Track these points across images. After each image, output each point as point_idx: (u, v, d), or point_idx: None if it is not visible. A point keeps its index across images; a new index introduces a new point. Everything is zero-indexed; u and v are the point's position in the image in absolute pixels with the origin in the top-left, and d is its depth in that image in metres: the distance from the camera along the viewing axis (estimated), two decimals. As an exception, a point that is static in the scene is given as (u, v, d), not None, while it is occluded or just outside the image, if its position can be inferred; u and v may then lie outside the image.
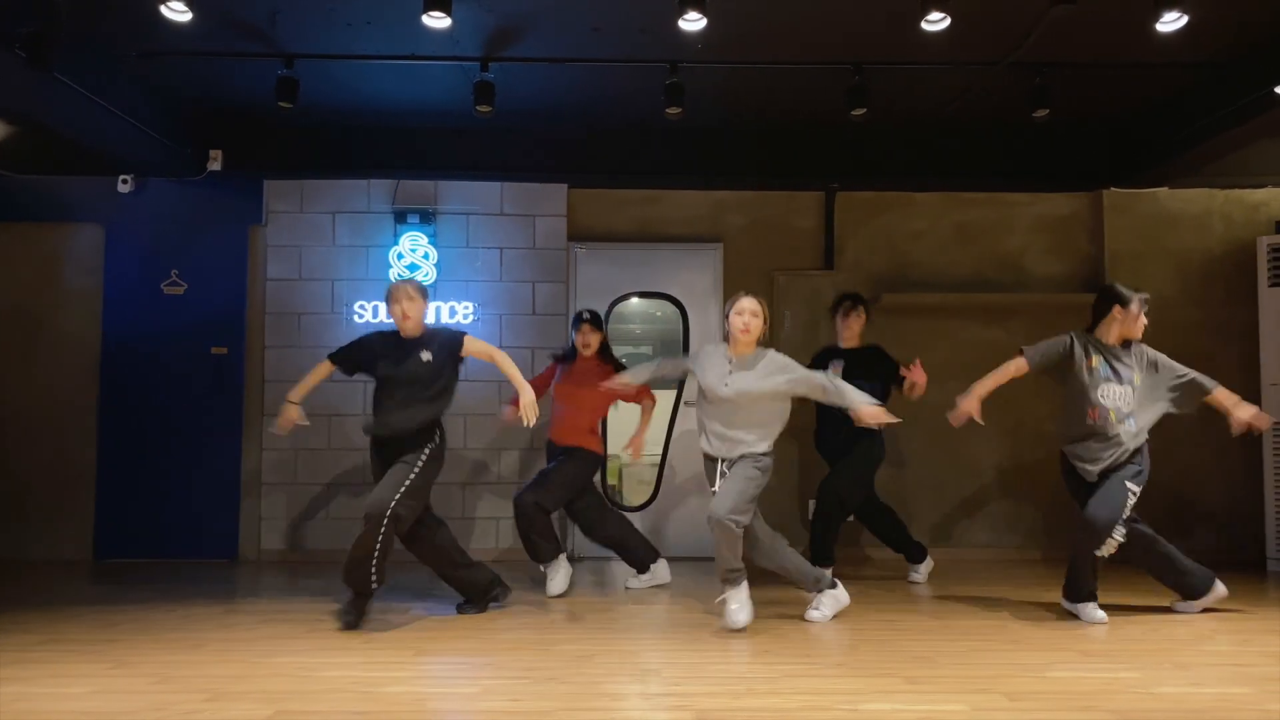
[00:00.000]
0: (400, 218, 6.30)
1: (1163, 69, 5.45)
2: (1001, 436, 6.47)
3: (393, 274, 6.26)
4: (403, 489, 4.23)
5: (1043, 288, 6.51)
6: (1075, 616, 4.52)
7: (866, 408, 4.22)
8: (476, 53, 5.26)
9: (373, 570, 4.22)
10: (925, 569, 5.50)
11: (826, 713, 3.07)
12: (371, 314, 6.28)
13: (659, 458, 6.48)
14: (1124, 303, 4.53)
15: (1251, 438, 6.17)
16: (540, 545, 5.07)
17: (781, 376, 4.30)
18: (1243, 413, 4.40)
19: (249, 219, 6.40)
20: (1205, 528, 6.36)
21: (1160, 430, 6.33)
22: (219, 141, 6.36)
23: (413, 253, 6.29)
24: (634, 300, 6.78)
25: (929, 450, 6.45)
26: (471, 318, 6.27)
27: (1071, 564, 4.52)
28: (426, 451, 4.36)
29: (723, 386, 4.30)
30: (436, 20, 4.50)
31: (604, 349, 5.34)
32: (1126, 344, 4.56)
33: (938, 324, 6.42)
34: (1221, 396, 4.47)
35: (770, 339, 6.32)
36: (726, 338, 4.42)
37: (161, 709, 3.09)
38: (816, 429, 5.48)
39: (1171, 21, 4.39)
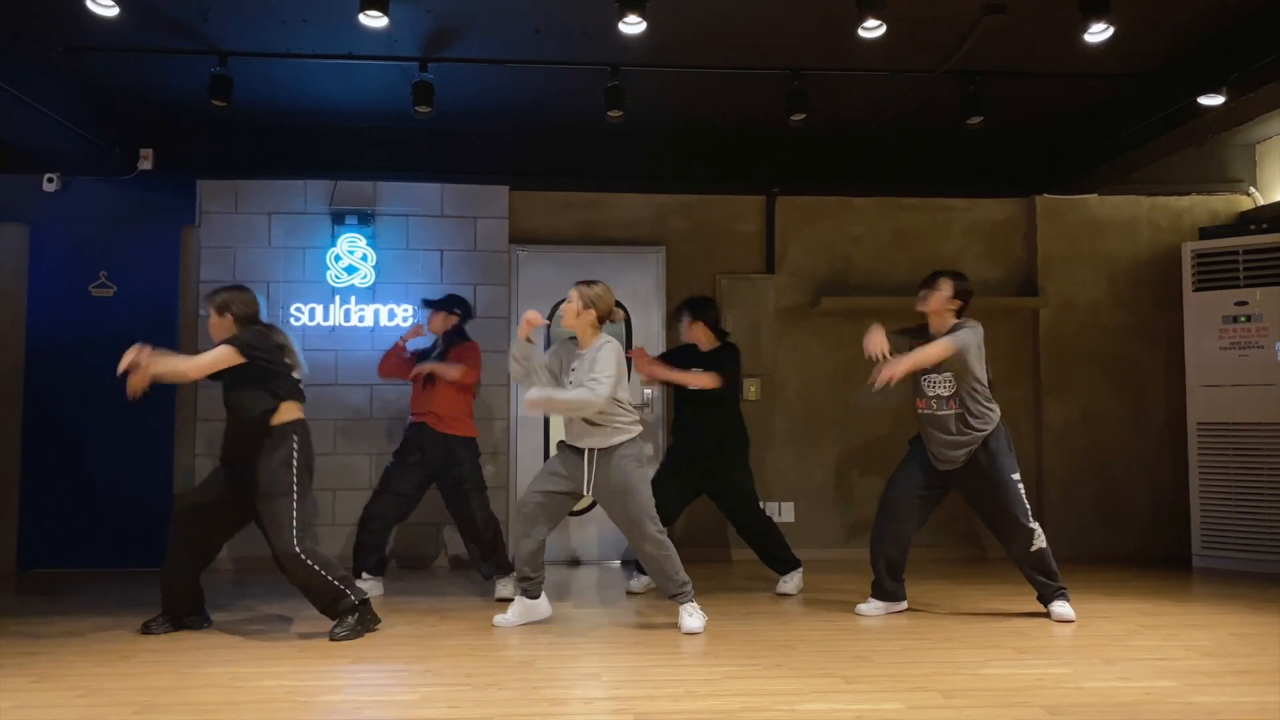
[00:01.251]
0: (338, 219, 6.21)
1: (1091, 79, 5.59)
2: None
3: (330, 276, 6.17)
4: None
5: (978, 291, 6.57)
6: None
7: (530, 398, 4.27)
8: (415, 53, 5.20)
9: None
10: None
11: (765, 713, 3.09)
12: (308, 317, 6.17)
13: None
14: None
15: (1179, 438, 6.37)
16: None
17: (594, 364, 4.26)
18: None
19: (181, 219, 6.25)
20: (1133, 526, 6.53)
21: (1087, 429, 6.54)
22: (150, 140, 6.20)
23: (351, 255, 6.20)
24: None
25: (864, 453, 6.54)
26: (411, 320, 6.19)
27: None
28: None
29: (567, 377, 4.34)
30: (373, 20, 4.44)
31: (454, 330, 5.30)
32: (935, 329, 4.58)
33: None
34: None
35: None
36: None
37: (86, 723, 3.00)
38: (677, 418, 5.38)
39: (1099, 32, 4.50)
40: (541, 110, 6.13)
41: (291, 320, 6.18)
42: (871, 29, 4.52)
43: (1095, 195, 6.66)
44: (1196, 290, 6.22)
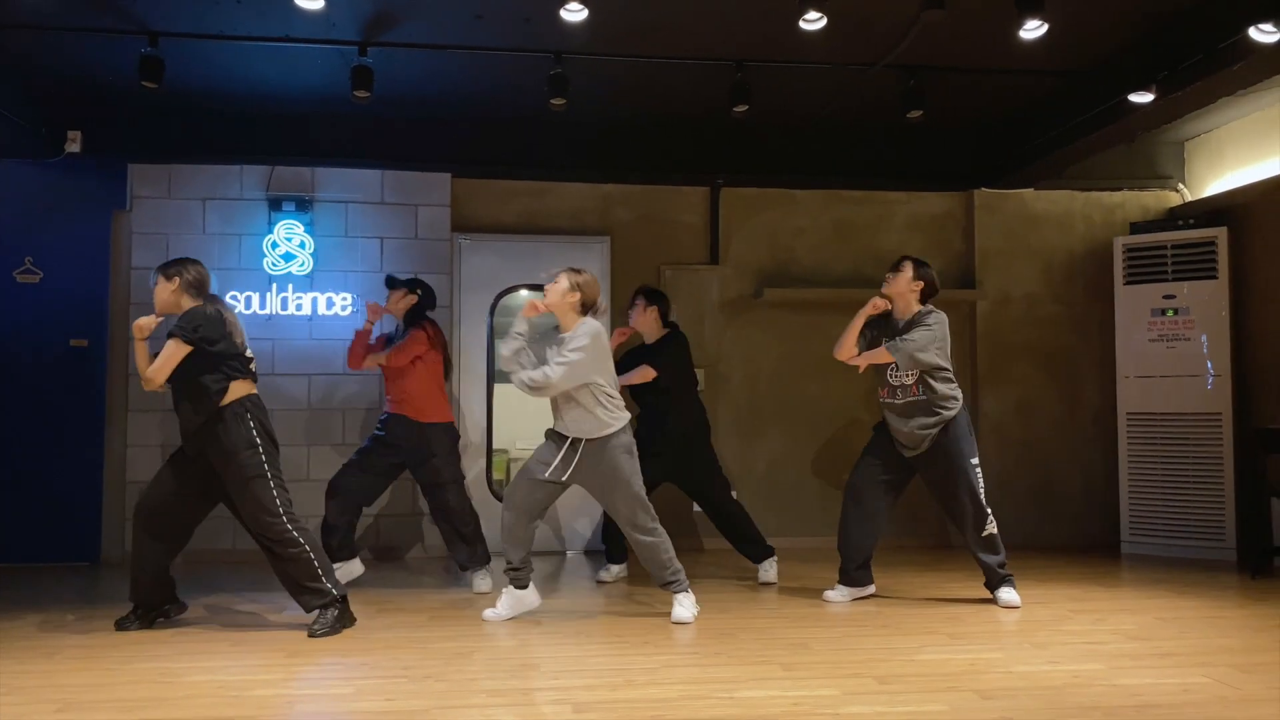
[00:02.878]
0: (275, 205, 6.08)
1: (1027, 75, 5.69)
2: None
3: (266, 263, 6.04)
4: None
5: (918, 284, 6.73)
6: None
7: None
8: (354, 36, 5.11)
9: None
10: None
11: (703, 701, 3.10)
12: (244, 305, 6.04)
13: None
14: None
15: (1109, 427, 6.53)
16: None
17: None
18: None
19: (111, 204, 6.07)
20: (1066, 514, 6.68)
21: (1023, 420, 6.67)
22: (78, 122, 6.01)
23: (288, 241, 6.07)
24: (523, 293, 6.71)
25: (806, 443, 6.60)
26: (350, 309, 6.10)
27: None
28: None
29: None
30: (310, 1, 4.36)
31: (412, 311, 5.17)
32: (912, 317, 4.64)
33: (817, 319, 6.54)
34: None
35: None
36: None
37: (5, 722, 2.91)
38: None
39: (1033, 29, 4.58)
40: (485, 97, 6.07)
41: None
42: (812, 21, 4.55)
43: (1031, 190, 6.79)
44: (1127, 283, 6.37)
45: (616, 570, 5.32)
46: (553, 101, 5.32)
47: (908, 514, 6.65)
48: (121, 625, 4.13)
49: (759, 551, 5.27)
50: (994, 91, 6.02)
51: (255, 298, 6.07)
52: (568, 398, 4.20)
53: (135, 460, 5.96)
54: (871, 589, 4.80)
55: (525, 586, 4.36)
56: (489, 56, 5.36)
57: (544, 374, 4.10)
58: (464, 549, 4.99)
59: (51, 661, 3.62)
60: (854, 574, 4.75)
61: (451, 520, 4.99)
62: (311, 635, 3.96)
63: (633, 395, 5.32)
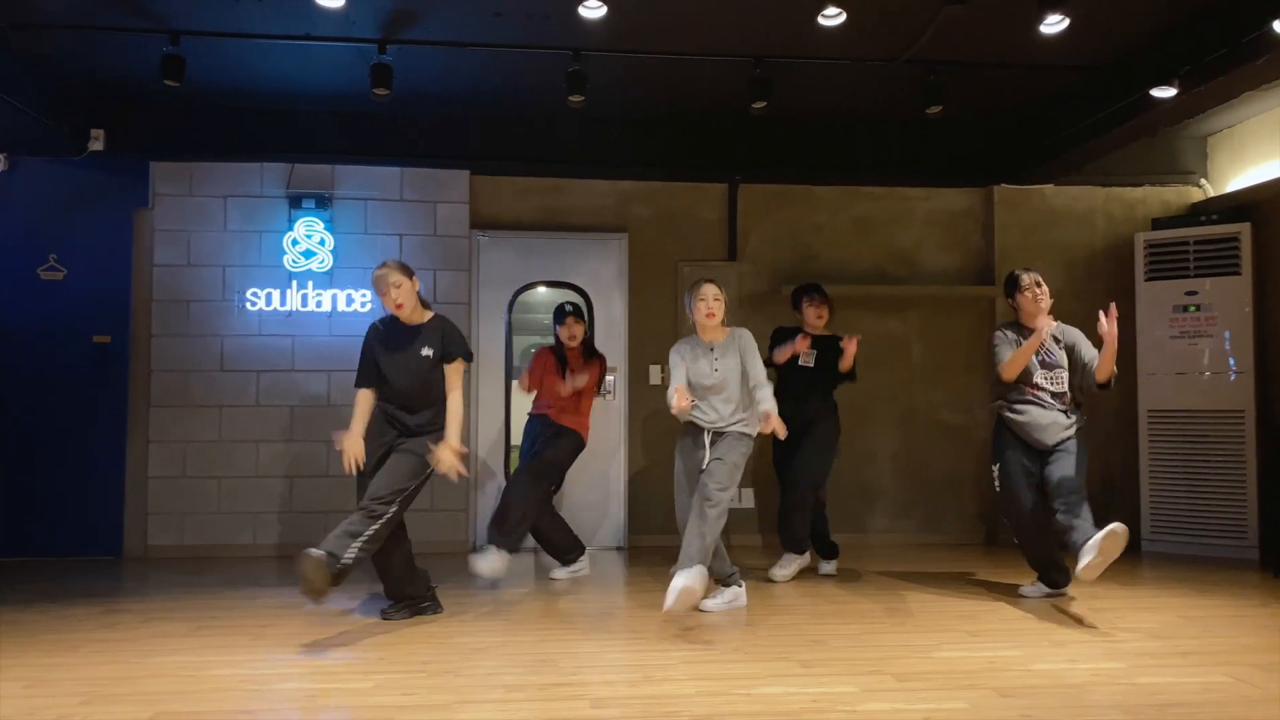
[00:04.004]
0: (295, 202, 6.12)
1: (1047, 70, 5.64)
2: (895, 424, 6.65)
3: (287, 260, 6.08)
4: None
5: (937, 280, 6.70)
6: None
7: (773, 417, 4.24)
8: (373, 34, 5.13)
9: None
10: (832, 567, 5.46)
11: (721, 698, 3.11)
12: (265, 301, 6.09)
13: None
14: (1009, 292, 4.74)
15: (1130, 425, 6.49)
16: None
17: (746, 357, 4.45)
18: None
19: (134, 202, 6.13)
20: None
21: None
22: (101, 120, 6.05)
23: (308, 239, 6.11)
24: (540, 290, 6.74)
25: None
26: (370, 306, 6.13)
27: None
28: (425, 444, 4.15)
29: (711, 374, 4.40)
30: (330, 0, 4.38)
31: (587, 343, 5.47)
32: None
33: (837, 315, 6.52)
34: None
35: (675, 330, 6.38)
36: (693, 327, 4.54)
37: (32, 714, 2.95)
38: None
39: (1054, 24, 4.54)
40: (503, 95, 6.08)
41: (248, 305, 6.09)
42: (832, 17, 4.54)
43: (1052, 186, 6.74)
44: (1148, 280, 6.32)
45: (826, 566, 5.42)
46: (571, 98, 5.33)
47: (928, 511, 6.64)
48: (385, 615, 4.31)
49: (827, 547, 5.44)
50: (1014, 87, 5.97)
51: (275, 294, 6.11)
52: (737, 386, 4.46)
53: (157, 456, 6.02)
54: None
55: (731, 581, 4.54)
56: (508, 53, 5.37)
57: (764, 379, 4.44)
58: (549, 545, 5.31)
59: (76, 654, 3.66)
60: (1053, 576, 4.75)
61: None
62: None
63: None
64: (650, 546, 6.28)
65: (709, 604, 4.38)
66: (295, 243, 6.10)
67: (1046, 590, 4.71)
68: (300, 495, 6.08)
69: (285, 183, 6.18)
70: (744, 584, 4.56)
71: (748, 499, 6.49)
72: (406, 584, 4.29)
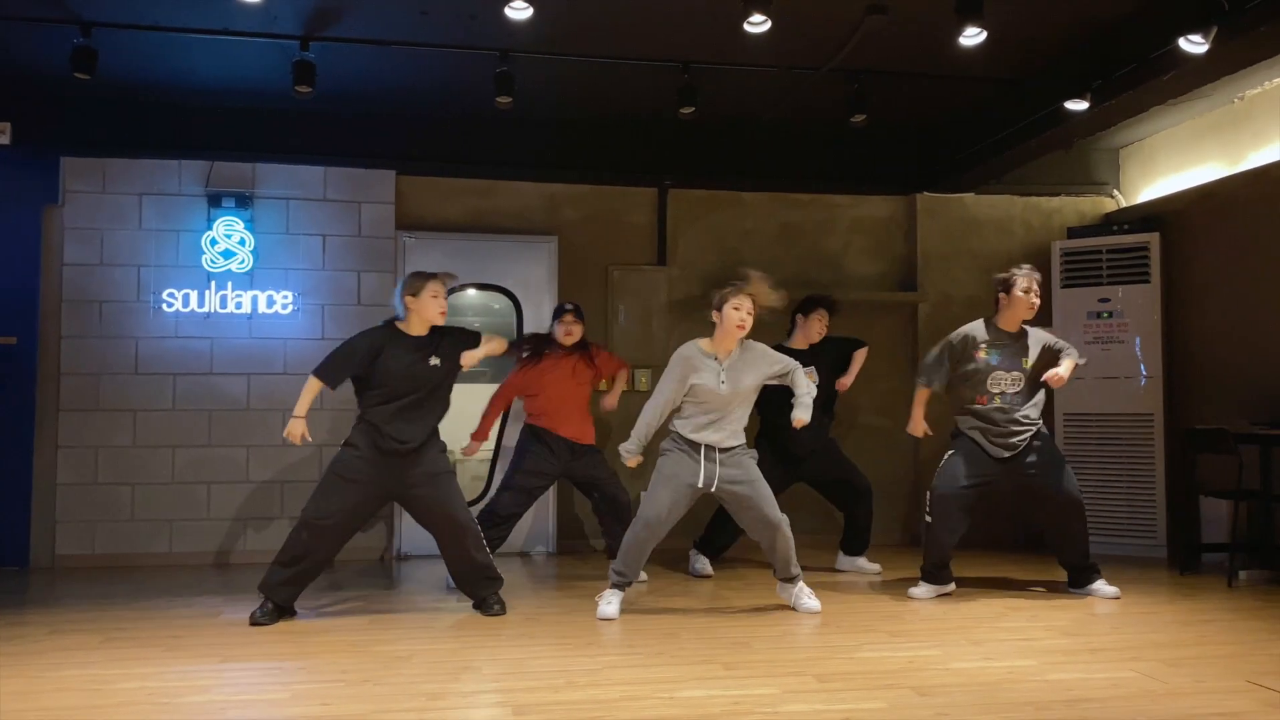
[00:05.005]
0: (214, 201, 5.95)
1: (967, 82, 5.79)
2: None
3: (205, 260, 5.91)
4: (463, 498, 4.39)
5: (861, 286, 6.81)
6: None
7: (805, 410, 4.33)
8: (295, 31, 5.04)
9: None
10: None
11: (643, 701, 3.11)
12: (181, 303, 5.91)
13: (491, 454, 6.38)
14: (1006, 288, 4.84)
15: (1047, 427, 6.65)
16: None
17: (774, 366, 4.44)
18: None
19: (43, 199, 5.89)
20: (1004, 513, 6.77)
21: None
22: (8, 114, 5.84)
23: (228, 238, 5.95)
24: (470, 292, 6.67)
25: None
26: (291, 307, 5.99)
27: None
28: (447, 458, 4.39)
29: (720, 385, 4.30)
30: (250, -6, 4.29)
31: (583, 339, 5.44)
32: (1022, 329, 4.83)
33: (761, 319, 6.57)
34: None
35: (605, 334, 6.38)
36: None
37: (-77, 733, 2.81)
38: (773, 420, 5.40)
39: (972, 36, 4.66)
40: (430, 94, 6.02)
41: (164, 306, 5.91)
42: (757, 24, 4.58)
43: (972, 194, 6.90)
44: (1064, 287, 6.51)
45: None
46: (499, 100, 5.30)
47: (832, 510, 6.72)
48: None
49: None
50: (936, 97, 6.11)
51: (193, 295, 5.93)
52: (745, 399, 4.46)
53: (66, 462, 5.80)
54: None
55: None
56: (434, 53, 5.32)
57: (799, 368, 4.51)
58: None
59: (-26, 669, 3.51)
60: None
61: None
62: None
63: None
64: (579, 551, 6.26)
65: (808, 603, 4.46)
66: (214, 242, 5.94)
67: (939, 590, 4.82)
68: (219, 501, 5.91)
69: (204, 181, 6.00)
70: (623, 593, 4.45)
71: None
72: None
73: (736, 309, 4.34)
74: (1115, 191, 7.01)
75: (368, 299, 6.10)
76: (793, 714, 3.00)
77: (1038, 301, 4.81)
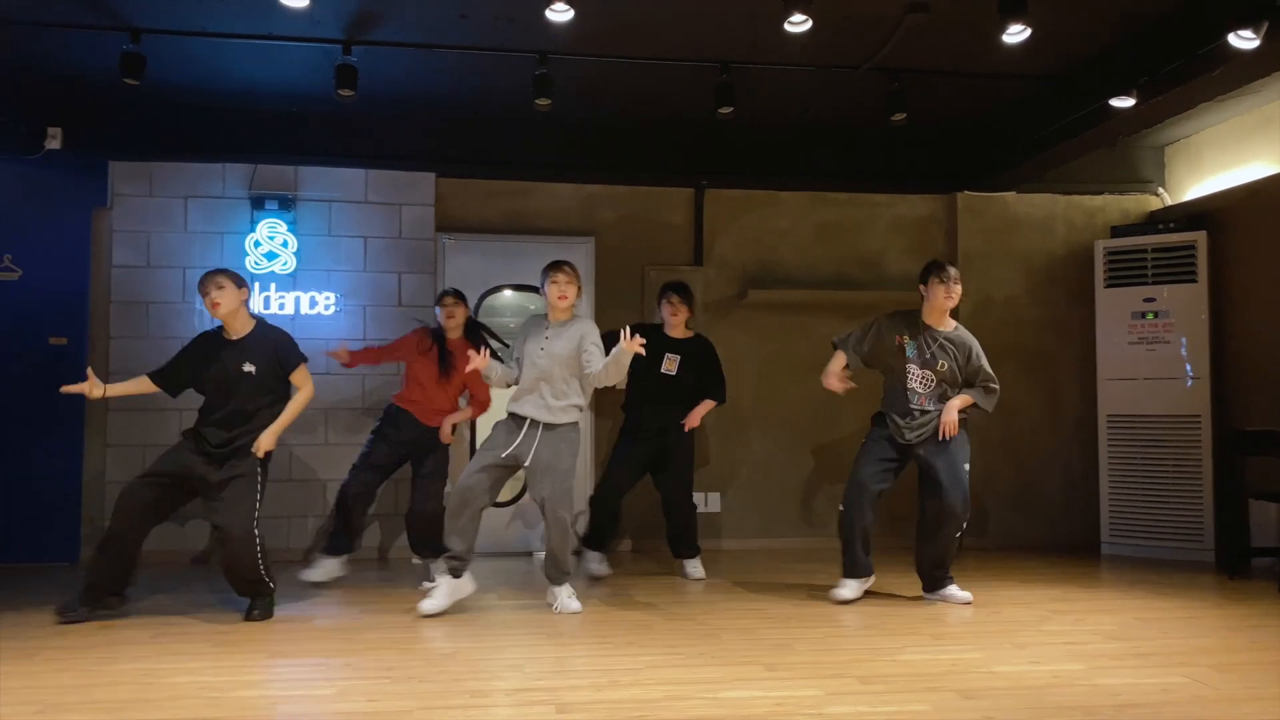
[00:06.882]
0: (258, 204, 6.04)
1: (1009, 79, 5.73)
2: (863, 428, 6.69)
3: (249, 262, 6.00)
4: (256, 512, 4.32)
5: (900, 286, 6.74)
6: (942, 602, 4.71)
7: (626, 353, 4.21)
8: (338, 34, 5.09)
9: (267, 578, 4.31)
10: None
11: (687, 701, 3.11)
12: (227, 304, 5.99)
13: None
14: (927, 277, 4.78)
15: (1090, 429, 6.59)
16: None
17: (583, 341, 4.47)
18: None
19: (92, 202, 6.01)
20: (1046, 516, 6.73)
21: (1004, 422, 6.70)
22: (58, 118, 5.95)
23: (271, 240, 6.04)
24: (507, 293, 6.70)
25: (794, 444, 6.62)
26: (334, 309, 6.07)
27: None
28: (259, 469, 4.39)
29: (539, 352, 4.45)
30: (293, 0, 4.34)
31: (470, 326, 5.45)
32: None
33: (800, 320, 6.57)
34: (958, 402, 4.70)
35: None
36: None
37: (-17, 724, 2.88)
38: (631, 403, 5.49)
39: (1016, 34, 4.61)
40: (469, 97, 6.06)
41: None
42: (798, 24, 4.56)
43: (1013, 193, 6.83)
44: (1108, 286, 6.42)
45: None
46: (538, 102, 5.32)
47: (889, 514, 6.68)
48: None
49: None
50: (977, 95, 6.05)
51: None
52: (563, 371, 4.50)
53: (115, 460, 5.91)
54: (873, 578, 4.83)
55: (460, 576, 4.46)
56: (474, 56, 5.35)
57: (607, 358, 4.42)
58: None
59: (31, 662, 3.59)
60: (861, 562, 4.79)
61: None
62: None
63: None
64: (630, 552, 6.28)
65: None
66: (258, 244, 6.03)
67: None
68: (268, 499, 5.97)
69: (248, 184, 6.09)
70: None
71: (714, 503, 6.50)
72: None
73: (554, 284, 4.52)
74: (1160, 189, 6.90)
75: (409, 299, 6.16)
76: (837, 715, 2.99)
77: (951, 302, 4.73)
